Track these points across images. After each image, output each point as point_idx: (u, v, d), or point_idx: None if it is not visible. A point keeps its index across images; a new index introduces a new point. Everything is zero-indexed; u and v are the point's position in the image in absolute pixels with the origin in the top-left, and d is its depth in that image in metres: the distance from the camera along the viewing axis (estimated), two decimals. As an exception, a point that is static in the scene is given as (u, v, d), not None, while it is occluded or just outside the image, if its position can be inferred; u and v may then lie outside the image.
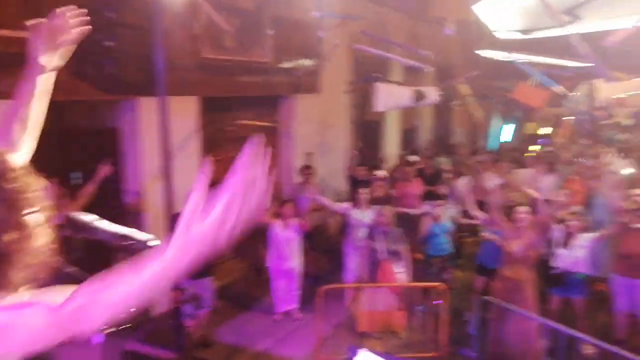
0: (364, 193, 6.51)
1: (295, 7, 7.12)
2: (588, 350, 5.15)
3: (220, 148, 7.27)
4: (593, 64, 4.06)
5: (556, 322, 5.27)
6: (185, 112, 6.28)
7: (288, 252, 6.14)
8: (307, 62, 7.36)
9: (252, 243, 6.64)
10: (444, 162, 10.60)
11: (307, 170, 7.69)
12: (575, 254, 5.43)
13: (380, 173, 8.16)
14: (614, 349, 4.15)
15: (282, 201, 6.22)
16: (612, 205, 5.82)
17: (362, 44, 6.99)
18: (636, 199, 5.49)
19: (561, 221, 5.66)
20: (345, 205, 6.62)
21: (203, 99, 6.62)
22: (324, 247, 8.06)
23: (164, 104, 4.66)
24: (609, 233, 5.62)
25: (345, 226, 6.59)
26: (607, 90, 8.39)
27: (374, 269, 5.83)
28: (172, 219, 5.10)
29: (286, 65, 7.33)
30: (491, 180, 8.44)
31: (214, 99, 6.83)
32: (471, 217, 6.42)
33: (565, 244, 5.51)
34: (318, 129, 8.76)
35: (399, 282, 5.74)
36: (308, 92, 7.97)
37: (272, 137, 8.54)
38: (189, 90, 6.32)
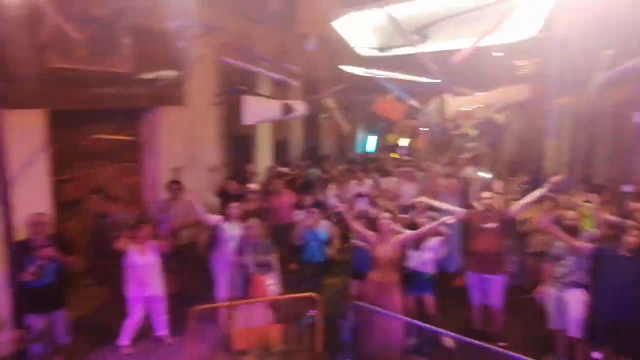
0: (234, 207, 6.38)
1: (154, 16, 6.77)
2: (449, 343, 5.56)
3: (72, 166, 6.64)
4: (440, 81, 4.42)
5: (418, 319, 5.64)
6: (29, 127, 5.63)
7: (147, 279, 5.73)
8: (169, 73, 7.03)
9: (111, 268, 6.14)
10: (316, 173, 10.89)
11: (174, 185, 7.32)
12: (424, 255, 5.87)
13: (252, 186, 8.08)
14: (471, 340, 4.51)
15: (136, 224, 5.78)
16: (464, 208, 6.36)
17: (228, 57, 6.87)
18: (485, 202, 6.11)
19: (414, 225, 6.09)
20: (216, 218, 6.43)
21: (52, 112, 5.99)
22: (195, 265, 7.74)
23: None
24: (452, 233, 6.11)
25: (215, 241, 6.37)
26: (455, 104, 9.29)
27: (246, 284, 5.72)
28: (14, 248, 4.51)
29: (147, 76, 6.92)
30: (354, 189, 8.86)
31: (64, 112, 6.20)
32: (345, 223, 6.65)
33: (417, 246, 5.93)
34: (185, 143, 8.42)
35: (271, 294, 5.69)
36: (172, 104, 7.62)
37: (135, 153, 8.03)
38: (34, 103, 5.67)
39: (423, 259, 5.87)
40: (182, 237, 7.22)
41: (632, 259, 4.74)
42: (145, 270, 5.69)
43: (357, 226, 5.80)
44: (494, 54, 10.52)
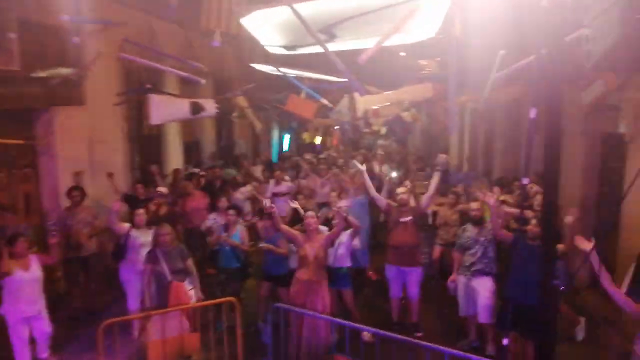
0: (140, 213, 6.09)
1: (45, 10, 6.27)
2: (367, 337, 5.69)
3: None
4: (348, 79, 4.50)
5: (337, 314, 5.73)
6: None
7: (31, 296, 5.20)
8: (64, 71, 6.53)
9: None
10: (232, 173, 10.69)
11: (75, 192, 6.84)
12: (339, 251, 5.96)
13: (162, 189, 7.76)
14: (388, 333, 4.64)
15: (11, 239, 5.19)
16: (379, 204, 6.55)
17: (130, 54, 6.52)
18: (401, 197, 6.32)
19: (327, 222, 6.18)
20: (125, 226, 6.10)
21: None
22: (103, 276, 7.32)
23: None
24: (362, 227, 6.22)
25: (123, 250, 6.04)
26: (364, 103, 9.53)
27: (163, 293, 5.45)
28: None
29: (39, 74, 6.39)
30: (273, 189, 8.83)
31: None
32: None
33: (331, 243, 6.00)
34: (87, 146, 7.90)
35: (191, 301, 5.49)
36: (69, 104, 7.10)
37: (30, 157, 7.41)
38: None
39: (338, 254, 5.95)
40: (87, 248, 6.78)
41: (535, 247, 5.06)
42: (29, 287, 5.15)
43: (284, 226, 5.78)
44: (400, 53, 10.97)
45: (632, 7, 2.34)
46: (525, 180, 3.55)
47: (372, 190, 6.59)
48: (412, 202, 6.67)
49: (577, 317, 5.99)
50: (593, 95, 6.11)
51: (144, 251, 5.87)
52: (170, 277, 5.36)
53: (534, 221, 5.14)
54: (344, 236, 5.94)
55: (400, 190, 6.50)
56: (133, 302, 6.09)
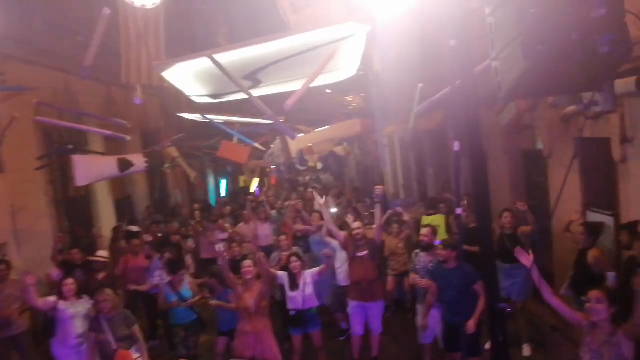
0: (69, 283, 5.68)
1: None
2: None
3: None
4: (274, 122, 4.53)
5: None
6: None
7: None
8: (-25, 139, 6.16)
9: None
10: (174, 226, 10.26)
11: (0, 266, 6.30)
12: (304, 292, 5.85)
13: (101, 252, 7.31)
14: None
15: None
16: (337, 238, 6.53)
17: (49, 115, 6.26)
18: (356, 231, 6.26)
19: (284, 265, 6.06)
20: (50, 300, 5.66)
21: None
22: (34, 354, 6.75)
23: None
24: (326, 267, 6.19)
25: (53, 325, 5.61)
26: (297, 143, 9.65)
27: None
28: None
29: (-52, 145, 5.99)
30: (216, 237, 8.60)
31: None
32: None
33: (294, 286, 5.90)
34: (7, 214, 7.40)
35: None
36: (-15, 173, 6.68)
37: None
38: None
39: (306, 295, 5.83)
40: (18, 325, 6.22)
41: (455, 270, 5.21)
42: None
43: (230, 275, 5.60)
44: (327, 91, 11.26)
45: (532, 40, 2.54)
46: (458, 211, 3.68)
47: (331, 226, 6.57)
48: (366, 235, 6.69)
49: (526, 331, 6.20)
50: (508, 117, 6.53)
51: (77, 323, 5.53)
52: (116, 345, 5.04)
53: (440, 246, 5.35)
54: (309, 276, 5.85)
55: (355, 225, 6.48)
56: None
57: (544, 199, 6.98)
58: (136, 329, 5.33)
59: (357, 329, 6.27)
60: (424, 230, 6.03)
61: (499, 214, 6.28)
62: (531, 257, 3.82)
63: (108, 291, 5.33)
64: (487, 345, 5.05)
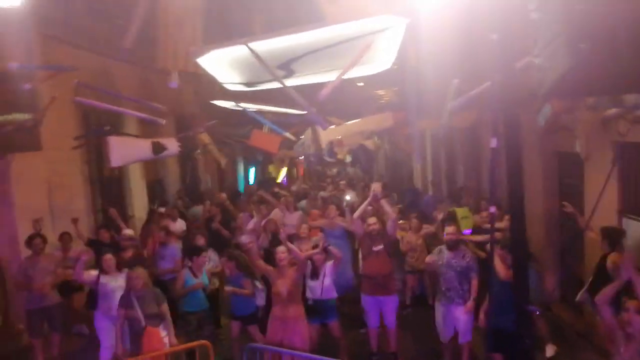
0: (108, 258, 5.90)
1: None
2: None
3: None
4: (308, 112, 4.53)
5: (319, 349, 5.60)
6: None
7: None
8: (18, 117, 6.34)
9: None
10: (197, 213, 10.44)
11: (35, 240, 6.52)
12: (323, 283, 5.88)
13: (127, 232, 7.48)
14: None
15: None
16: (356, 230, 6.51)
17: (88, 97, 6.41)
18: (372, 226, 6.21)
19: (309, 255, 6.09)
20: (93, 274, 5.87)
21: None
22: (70, 325, 7.03)
23: None
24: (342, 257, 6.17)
25: (95, 298, 5.82)
26: (327, 134, 9.63)
27: (136, 339, 5.22)
28: None
29: (-10, 121, 6.19)
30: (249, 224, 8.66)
31: None
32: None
33: (314, 275, 5.93)
34: (45, 191, 7.64)
35: (165, 346, 5.26)
36: (25, 150, 6.88)
37: (-17, 206, 7.10)
38: None
39: (325, 286, 5.85)
40: (50, 297, 6.45)
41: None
42: None
43: (260, 262, 5.68)
44: (359, 84, 11.19)
45: (576, 37, 2.45)
46: (492, 209, 3.60)
47: (351, 219, 6.56)
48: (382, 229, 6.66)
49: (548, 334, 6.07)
50: (545, 118, 6.35)
51: (118, 296, 5.67)
52: (144, 322, 5.16)
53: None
54: (328, 268, 5.87)
55: (370, 219, 6.40)
56: (106, 351, 5.85)
57: (578, 203, 6.79)
58: (165, 307, 5.42)
59: (372, 321, 6.26)
60: (449, 228, 5.91)
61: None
62: None
63: (140, 269, 5.46)
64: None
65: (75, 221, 7.49)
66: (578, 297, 5.33)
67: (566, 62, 2.56)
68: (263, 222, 7.85)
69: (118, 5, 7.77)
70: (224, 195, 10.46)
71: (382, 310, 6.19)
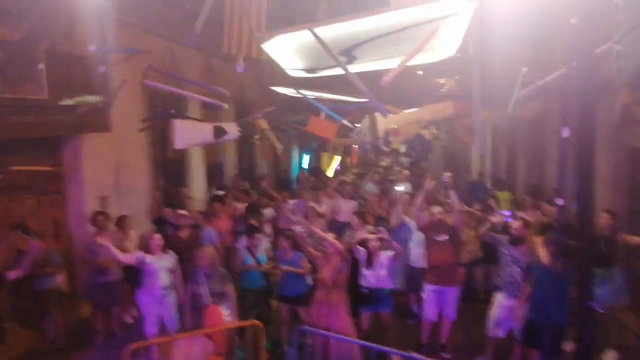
0: (157, 238, 6.04)
1: (71, 40, 6.46)
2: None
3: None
4: (369, 100, 4.50)
5: (366, 337, 5.62)
6: None
7: None
8: (91, 99, 6.69)
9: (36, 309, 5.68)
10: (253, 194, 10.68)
11: (100, 217, 6.89)
12: (378, 272, 5.87)
13: (182, 212, 7.76)
14: (414, 355, 4.56)
15: None
16: (417, 222, 6.54)
17: (154, 80, 6.67)
18: (437, 215, 6.23)
19: (363, 242, 6.10)
20: (136, 254, 6.08)
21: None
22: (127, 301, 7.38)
23: None
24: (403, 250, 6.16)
25: (139, 277, 6.05)
26: (385, 122, 9.54)
27: (199, 315, 5.43)
28: None
29: (67, 102, 6.56)
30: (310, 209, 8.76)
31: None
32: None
33: (369, 264, 5.94)
34: (112, 170, 8.04)
35: (226, 324, 5.44)
36: (96, 131, 7.26)
37: (57, 183, 7.57)
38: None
39: (380, 275, 5.86)
40: (112, 273, 6.79)
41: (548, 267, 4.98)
42: None
43: (309, 249, 5.78)
44: (418, 72, 10.98)
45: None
46: (560, 201, 3.46)
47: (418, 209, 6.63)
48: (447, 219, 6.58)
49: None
50: (616, 110, 6.01)
51: (162, 276, 5.90)
52: (209, 300, 5.34)
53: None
54: (385, 258, 5.87)
55: (435, 209, 6.41)
56: (150, 327, 6.05)
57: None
58: (230, 287, 5.59)
59: (430, 314, 6.19)
60: (514, 223, 5.75)
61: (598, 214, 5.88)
62: None
63: (208, 247, 5.64)
64: (569, 347, 4.81)
65: (103, 199, 7.66)
66: None
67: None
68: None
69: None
70: (264, 182, 10.65)
71: (442, 301, 6.14)
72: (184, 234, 7.22)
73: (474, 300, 7.30)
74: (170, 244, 6.89)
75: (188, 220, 7.46)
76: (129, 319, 7.31)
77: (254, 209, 8.37)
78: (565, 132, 2.85)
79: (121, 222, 7.20)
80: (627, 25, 2.57)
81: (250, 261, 6.32)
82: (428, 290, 6.20)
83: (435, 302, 6.16)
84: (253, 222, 7.42)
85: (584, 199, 2.95)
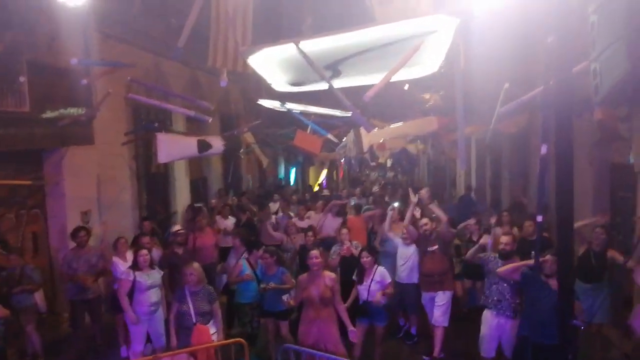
0: (143, 254, 5.92)
1: (54, 53, 6.40)
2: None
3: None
4: (353, 114, 4.51)
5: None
6: None
7: None
8: (73, 112, 6.61)
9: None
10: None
11: (80, 232, 6.63)
12: (369, 287, 5.84)
13: (176, 227, 7.67)
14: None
15: None
16: (409, 236, 6.68)
17: (138, 93, 6.63)
18: (426, 227, 6.50)
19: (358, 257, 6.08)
20: (124, 270, 5.98)
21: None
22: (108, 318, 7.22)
23: None
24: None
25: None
26: (370, 137, 9.58)
27: (186, 334, 5.29)
28: None
29: (49, 115, 6.48)
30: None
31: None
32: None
33: (360, 280, 5.92)
34: (94, 184, 7.92)
35: (211, 343, 5.29)
36: (78, 144, 7.17)
37: (37, 197, 7.43)
38: None
39: (371, 291, 5.82)
40: (92, 290, 6.62)
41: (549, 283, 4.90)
42: None
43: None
44: (404, 87, 11.09)
45: (636, 41, 2.34)
46: (539, 218, 3.48)
47: (410, 226, 6.76)
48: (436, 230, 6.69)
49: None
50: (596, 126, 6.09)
51: (151, 292, 5.81)
52: (196, 318, 5.23)
53: (548, 256, 4.93)
54: (379, 276, 5.86)
55: (423, 220, 6.68)
56: (137, 344, 5.92)
57: (630, 216, 6.48)
58: (217, 306, 5.45)
59: (430, 318, 6.53)
60: (504, 238, 5.73)
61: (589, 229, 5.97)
62: None
63: (195, 264, 5.50)
64: None
65: (84, 213, 7.56)
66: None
67: (625, 67, 2.45)
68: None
69: (172, 5, 8.01)
70: (244, 198, 10.57)
71: (434, 305, 6.37)
72: (180, 250, 7.12)
73: (458, 318, 7.27)
74: (166, 260, 6.84)
75: (183, 237, 7.37)
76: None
77: (249, 226, 8.32)
78: (544, 149, 2.88)
79: (117, 245, 6.91)
80: (603, 44, 2.61)
81: (247, 271, 6.27)
82: (425, 298, 6.53)
83: (431, 309, 6.48)
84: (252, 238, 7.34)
85: (564, 215, 2.97)
